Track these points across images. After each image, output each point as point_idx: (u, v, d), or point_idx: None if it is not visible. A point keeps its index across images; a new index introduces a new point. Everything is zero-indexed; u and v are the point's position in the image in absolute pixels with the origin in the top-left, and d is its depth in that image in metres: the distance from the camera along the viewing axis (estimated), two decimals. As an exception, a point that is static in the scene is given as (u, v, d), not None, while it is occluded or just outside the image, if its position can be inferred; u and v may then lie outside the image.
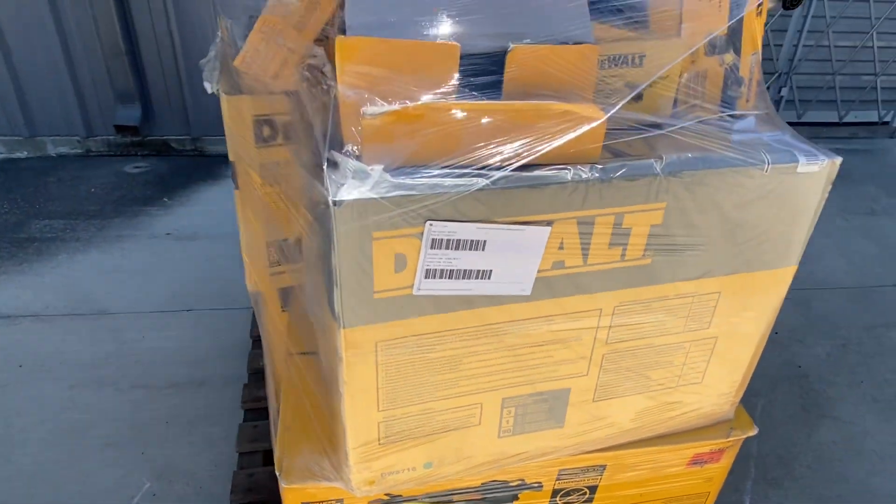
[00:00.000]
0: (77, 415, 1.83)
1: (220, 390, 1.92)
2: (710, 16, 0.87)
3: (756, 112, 0.86)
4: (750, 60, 0.92)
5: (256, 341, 1.94)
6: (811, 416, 1.98)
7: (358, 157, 0.70)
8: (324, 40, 0.91)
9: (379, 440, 0.87)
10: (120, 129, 3.19)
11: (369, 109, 0.68)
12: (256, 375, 1.81)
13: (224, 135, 3.88)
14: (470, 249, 0.73)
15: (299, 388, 1.09)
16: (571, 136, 0.71)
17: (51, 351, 2.05)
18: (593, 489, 1.10)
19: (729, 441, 1.07)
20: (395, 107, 0.68)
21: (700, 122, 0.80)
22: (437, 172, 0.69)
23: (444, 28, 0.70)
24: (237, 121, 1.12)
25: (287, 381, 1.14)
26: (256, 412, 1.70)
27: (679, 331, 0.92)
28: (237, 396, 1.88)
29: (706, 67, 0.89)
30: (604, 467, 1.06)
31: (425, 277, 0.74)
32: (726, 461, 1.13)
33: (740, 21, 0.90)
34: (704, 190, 0.79)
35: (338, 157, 0.70)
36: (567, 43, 0.73)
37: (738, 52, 0.92)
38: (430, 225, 0.70)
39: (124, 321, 2.20)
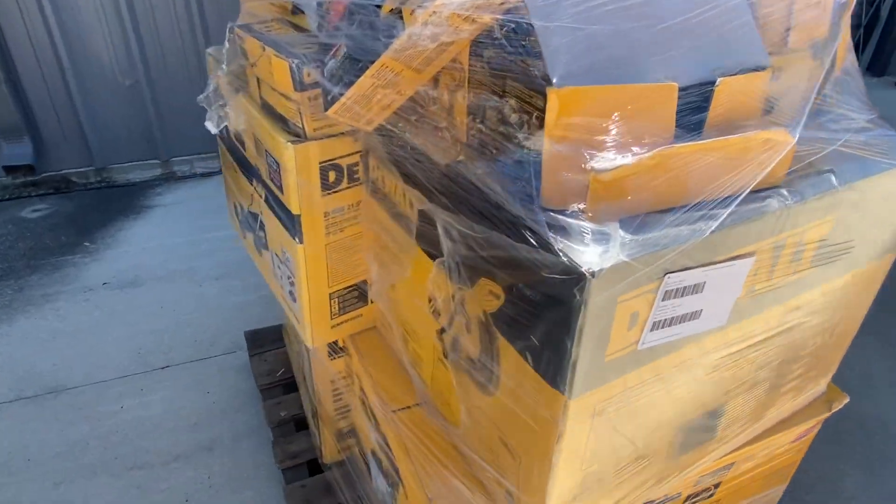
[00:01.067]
0: (76, 516, 1.58)
1: (235, 451, 1.75)
2: (815, 23, 0.89)
3: (874, 113, 0.90)
4: (846, 58, 0.95)
5: (266, 390, 1.78)
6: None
7: (583, 218, 0.64)
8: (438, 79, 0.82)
9: (575, 498, 0.82)
10: (10, 169, 2.75)
11: (600, 164, 0.62)
12: (282, 429, 1.66)
13: (133, 161, 3.47)
14: (692, 294, 0.70)
15: (423, 446, 1.01)
16: (773, 163, 0.70)
17: (14, 447, 1.75)
18: (717, 485, 1.13)
19: (830, 414, 1.15)
20: (629, 159, 0.62)
21: (857, 132, 0.82)
22: (671, 222, 0.65)
23: (650, 67, 0.65)
24: (303, 169, 1.00)
25: (397, 440, 1.05)
26: (296, 470, 1.57)
27: (815, 326, 0.95)
28: (257, 454, 1.72)
29: (812, 70, 0.91)
30: (733, 464, 1.09)
31: (650, 330, 0.70)
32: (816, 430, 1.21)
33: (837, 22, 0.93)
34: (863, 196, 0.81)
35: (562, 219, 0.64)
36: (755, 68, 0.71)
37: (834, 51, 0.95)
38: (668, 277, 0.66)
39: (89, 394, 1.93)
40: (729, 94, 0.69)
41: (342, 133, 1.02)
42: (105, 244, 2.61)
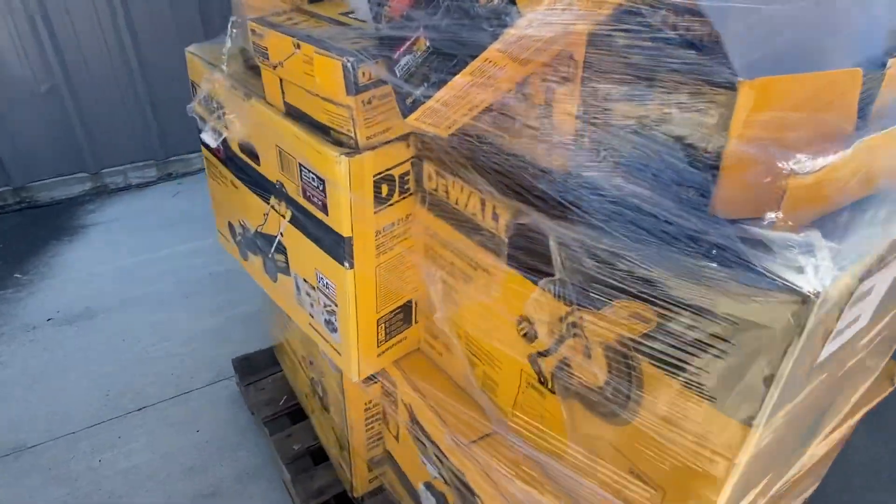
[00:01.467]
0: None
1: (241, 495, 1.58)
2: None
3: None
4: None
5: (270, 422, 1.61)
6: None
7: (780, 228, 0.55)
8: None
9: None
10: (-90, 197, 2.37)
11: (801, 166, 0.54)
12: (298, 464, 1.51)
13: (57, 176, 3.12)
14: (865, 298, 0.64)
15: (516, 477, 0.91)
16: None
17: (-25, 525, 1.50)
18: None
19: (893, 388, 1.14)
20: (831, 158, 0.55)
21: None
22: (865, 223, 0.58)
23: (827, 49, 0.58)
24: (357, 185, 0.86)
25: (480, 474, 0.95)
26: (324, 508, 1.43)
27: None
28: (268, 495, 1.57)
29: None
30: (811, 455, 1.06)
31: (830, 342, 0.63)
32: (868, 406, 1.21)
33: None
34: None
35: (755, 231, 0.55)
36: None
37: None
38: (862, 285, 0.59)
39: (57, 450, 1.69)
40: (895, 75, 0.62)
41: (399, 138, 0.90)
42: (40, 274, 2.31)
